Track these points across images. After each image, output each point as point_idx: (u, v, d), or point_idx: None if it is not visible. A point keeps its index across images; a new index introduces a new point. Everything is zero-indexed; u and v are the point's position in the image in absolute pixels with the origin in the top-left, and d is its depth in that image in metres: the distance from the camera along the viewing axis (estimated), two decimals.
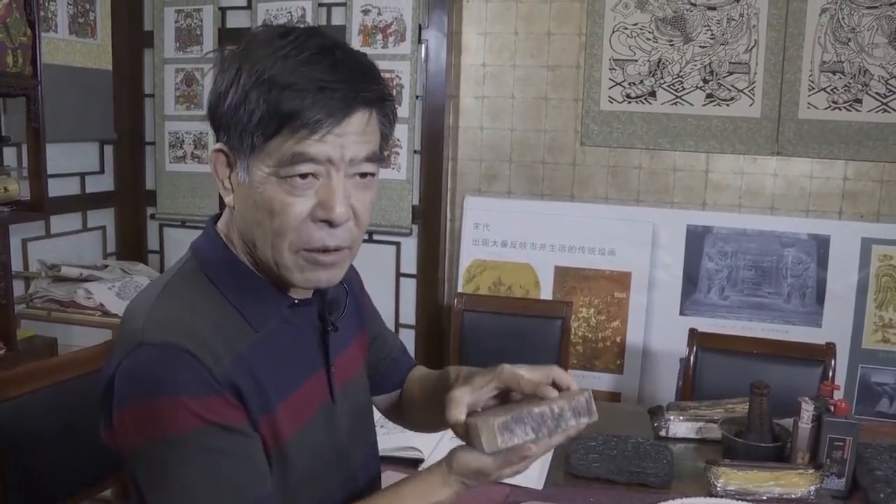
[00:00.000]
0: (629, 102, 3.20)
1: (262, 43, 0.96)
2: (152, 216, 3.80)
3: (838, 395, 3.02)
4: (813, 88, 3.07)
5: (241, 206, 0.99)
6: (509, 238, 3.21)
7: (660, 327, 3.16)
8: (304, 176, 0.95)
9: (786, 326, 3.10)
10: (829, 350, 2.45)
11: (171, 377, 0.92)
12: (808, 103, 3.08)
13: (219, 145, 0.98)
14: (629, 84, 3.20)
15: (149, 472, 0.94)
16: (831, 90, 3.06)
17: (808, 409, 1.76)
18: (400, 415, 1.42)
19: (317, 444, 1.09)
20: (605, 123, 3.22)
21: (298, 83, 0.92)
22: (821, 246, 3.10)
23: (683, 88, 3.16)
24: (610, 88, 3.21)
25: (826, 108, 3.07)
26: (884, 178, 3.08)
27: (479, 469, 1.02)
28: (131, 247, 3.78)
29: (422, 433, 1.53)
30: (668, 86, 3.17)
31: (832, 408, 1.74)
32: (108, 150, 3.64)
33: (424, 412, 1.33)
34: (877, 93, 3.02)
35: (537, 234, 3.19)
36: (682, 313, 3.16)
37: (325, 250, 0.99)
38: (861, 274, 3.06)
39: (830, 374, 2.43)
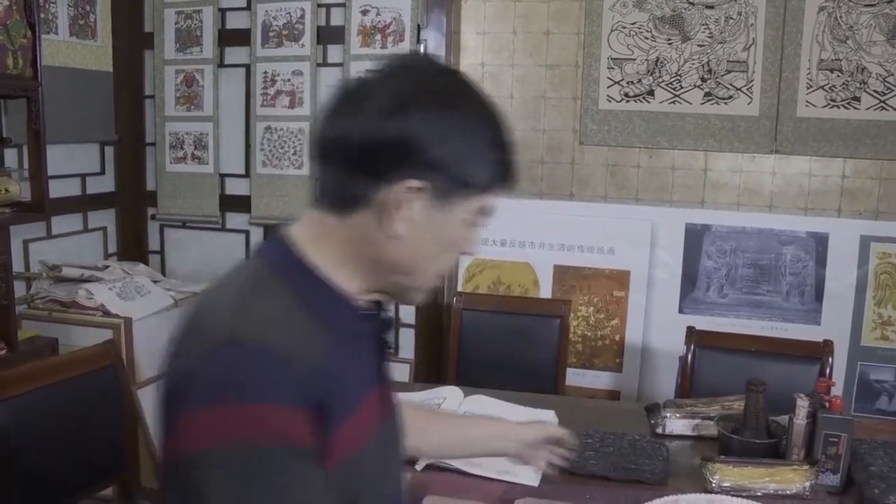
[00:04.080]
0: (628, 101, 3.21)
1: (460, 92, 1.01)
2: (153, 217, 3.82)
3: (837, 391, 3.05)
4: (811, 86, 3.08)
5: (412, 236, 0.99)
6: (508, 237, 3.21)
7: (659, 326, 3.16)
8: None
9: (785, 324, 3.10)
10: (826, 347, 2.46)
11: (260, 382, 0.87)
12: (807, 101, 3.09)
13: (422, 184, 0.96)
14: (627, 83, 3.21)
15: (207, 481, 0.86)
16: (829, 88, 3.06)
17: (803, 406, 1.77)
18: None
19: (372, 464, 1.05)
20: (603, 122, 3.23)
21: (510, 147, 1.03)
22: (819, 244, 3.10)
23: (682, 87, 3.17)
24: (608, 87, 3.22)
25: (824, 106, 3.08)
26: (882, 176, 3.09)
27: None
28: (132, 247, 3.79)
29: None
30: (667, 84, 3.18)
31: (827, 404, 1.75)
32: (109, 151, 3.65)
33: (438, 437, 1.53)
34: (875, 90, 3.03)
35: (536, 233, 3.19)
36: (681, 311, 3.16)
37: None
38: (860, 271, 3.07)
39: (828, 371, 2.44)
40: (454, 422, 1.62)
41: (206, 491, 0.86)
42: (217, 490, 0.86)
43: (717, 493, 1.66)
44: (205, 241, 3.79)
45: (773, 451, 1.82)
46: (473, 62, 3.37)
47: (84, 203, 3.52)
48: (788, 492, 1.68)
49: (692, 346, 2.52)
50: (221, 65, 3.63)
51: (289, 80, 3.51)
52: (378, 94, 0.96)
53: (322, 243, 1.01)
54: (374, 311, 1.09)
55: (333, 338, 0.97)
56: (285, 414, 0.87)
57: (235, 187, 3.70)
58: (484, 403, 2.18)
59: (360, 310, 1.05)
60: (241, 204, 3.67)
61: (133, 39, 3.65)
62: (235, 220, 3.72)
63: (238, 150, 3.66)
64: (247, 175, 3.65)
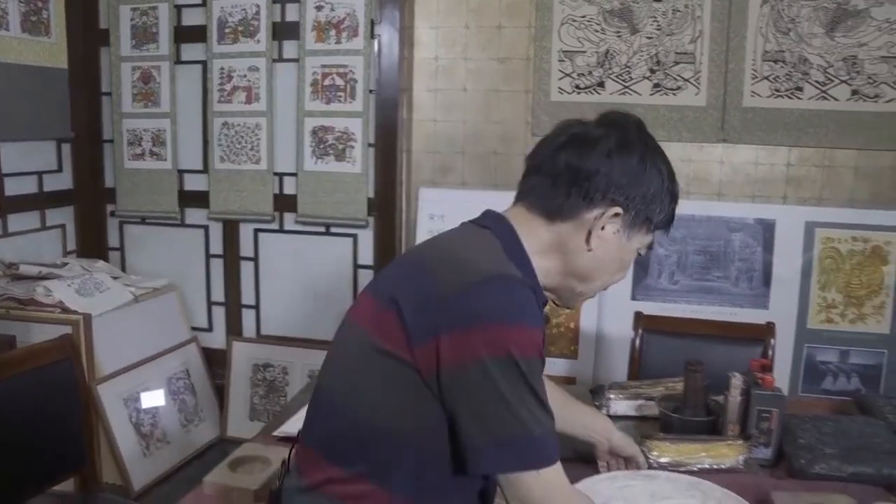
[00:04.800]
0: (579, 93, 3.28)
1: (654, 146, 1.30)
2: (112, 213, 3.83)
3: (785, 373, 3.14)
4: (756, 77, 3.16)
5: (601, 252, 1.28)
6: None
7: (612, 313, 3.23)
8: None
9: (734, 309, 3.18)
10: (768, 329, 2.54)
11: (529, 309, 1.15)
12: (752, 91, 3.18)
13: (620, 211, 1.26)
14: (578, 75, 3.27)
15: (486, 382, 1.10)
16: (773, 79, 3.15)
17: (737, 384, 1.83)
18: None
19: None
20: (554, 114, 3.28)
21: (677, 199, 1.33)
22: (766, 230, 3.19)
23: (631, 78, 3.24)
24: (559, 79, 3.29)
25: (769, 97, 3.17)
26: (825, 164, 3.18)
27: None
28: (91, 244, 3.80)
29: None
30: (617, 76, 3.25)
31: (760, 382, 1.82)
32: (66, 148, 3.65)
33: None
34: (816, 81, 3.12)
35: None
36: (633, 298, 3.24)
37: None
38: (805, 257, 3.16)
39: (770, 352, 2.52)
40: (559, 396, 1.71)
41: (492, 390, 1.10)
42: (503, 389, 1.10)
43: (655, 468, 1.72)
44: (164, 236, 3.81)
45: (711, 428, 1.88)
46: (427, 56, 3.42)
47: (41, 201, 3.52)
48: (723, 466, 1.74)
49: (640, 331, 2.59)
50: (178, 61, 3.64)
51: (245, 75, 3.53)
52: (607, 140, 1.25)
53: (529, 237, 1.27)
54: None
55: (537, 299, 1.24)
56: (539, 333, 1.16)
57: (194, 183, 3.72)
58: None
59: (543, 297, 1.33)
60: (199, 199, 3.69)
61: (88, 36, 3.65)
62: (194, 215, 3.74)
63: (196, 145, 3.68)
64: (205, 171, 3.68)
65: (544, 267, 1.28)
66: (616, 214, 1.25)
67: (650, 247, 1.36)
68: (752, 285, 3.21)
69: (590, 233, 1.26)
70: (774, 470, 1.79)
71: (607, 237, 1.27)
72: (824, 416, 1.95)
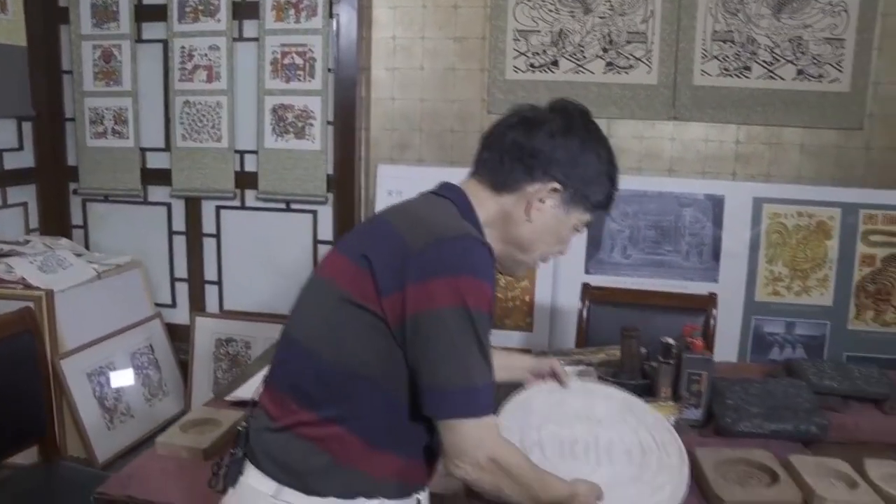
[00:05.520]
0: (533, 71, 3.34)
1: (597, 133, 1.41)
2: (75, 192, 3.85)
3: (734, 344, 3.24)
4: (706, 56, 3.24)
5: (540, 223, 1.40)
6: None
7: (566, 286, 3.31)
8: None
9: (685, 282, 3.27)
10: (711, 300, 2.64)
11: (484, 266, 1.26)
12: (702, 70, 3.26)
13: (558, 187, 1.37)
14: (533, 54, 3.34)
15: (442, 331, 1.21)
16: (723, 58, 3.24)
17: (669, 349, 1.93)
18: None
19: None
20: (510, 92, 3.35)
21: (617, 183, 1.44)
22: (716, 205, 3.28)
23: (584, 57, 3.31)
24: (514, 58, 3.35)
25: (718, 76, 3.25)
26: (772, 141, 3.27)
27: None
28: (54, 222, 3.82)
29: None
30: (570, 55, 3.32)
31: (691, 346, 1.91)
32: (27, 126, 3.67)
33: None
34: (763, 61, 3.21)
35: None
36: (587, 272, 3.32)
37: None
38: (753, 231, 3.26)
39: (713, 321, 2.62)
40: None
41: (438, 340, 1.21)
42: (455, 337, 1.21)
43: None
44: (127, 214, 3.84)
45: (647, 390, 1.97)
46: (385, 35, 3.47)
47: (2, 178, 3.54)
48: None
49: (587, 302, 2.68)
50: (139, 40, 3.66)
51: (206, 54, 3.56)
52: (552, 123, 1.37)
53: (479, 206, 1.39)
54: None
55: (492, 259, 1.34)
56: (492, 291, 1.27)
57: (156, 161, 3.75)
58: None
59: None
60: (162, 177, 3.73)
61: (47, 14, 3.65)
62: (157, 193, 3.78)
63: (158, 124, 3.71)
64: (167, 149, 3.71)
65: (491, 235, 1.40)
66: (554, 189, 1.37)
67: (588, 225, 1.47)
68: (702, 259, 3.31)
69: (529, 204, 1.38)
70: (703, 429, 1.89)
71: (545, 210, 1.39)
72: (752, 378, 2.05)
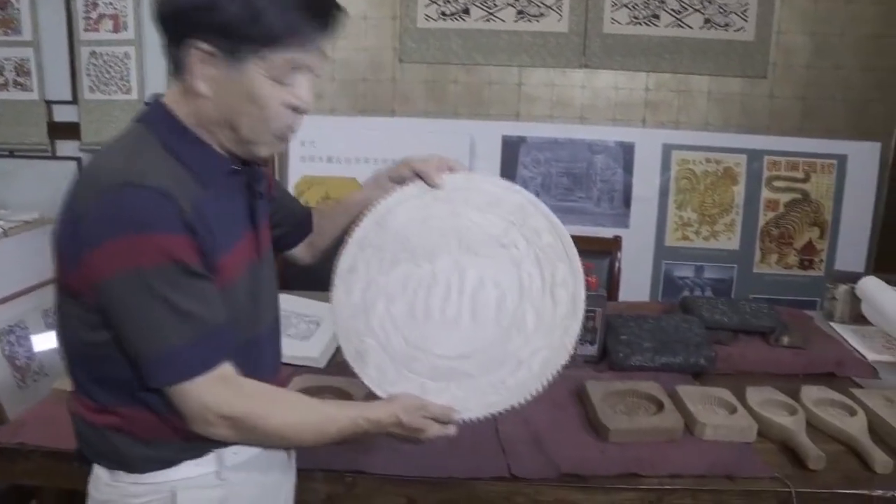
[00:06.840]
0: (444, 20, 3.33)
1: None
2: None
3: (645, 288, 3.33)
4: (616, 5, 3.27)
5: (214, 93, 1.15)
6: (334, 154, 3.31)
7: None
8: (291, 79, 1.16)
9: (597, 228, 3.34)
10: (615, 242, 2.70)
11: (150, 215, 1.07)
12: (612, 18, 3.29)
13: (208, 46, 1.11)
14: (444, 2, 3.32)
15: (120, 301, 1.09)
16: (632, 6, 3.27)
17: None
18: (315, 245, 1.63)
19: (242, 299, 1.23)
20: (422, 40, 3.34)
21: (303, 6, 1.12)
22: (626, 152, 3.34)
23: (495, 5, 3.31)
24: (426, 7, 3.33)
25: (628, 24, 3.29)
26: (680, 89, 3.34)
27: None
28: None
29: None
30: (481, 3, 3.31)
31: (586, 284, 1.95)
32: None
33: (334, 219, 1.59)
34: (672, 9, 3.25)
35: (361, 149, 3.29)
36: None
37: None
38: (663, 178, 3.33)
39: (617, 264, 2.68)
40: (339, 204, 1.64)
41: (122, 311, 1.09)
42: (131, 309, 1.08)
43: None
44: (35, 169, 3.73)
45: None
46: None
47: None
48: None
49: None
50: None
51: (111, 3, 3.46)
52: None
53: (181, 106, 1.19)
54: (241, 166, 1.25)
55: (201, 183, 1.16)
56: (174, 239, 1.08)
57: (64, 114, 3.64)
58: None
59: (228, 162, 1.22)
60: (70, 131, 3.62)
61: None
62: (66, 147, 3.67)
63: (63, 76, 3.59)
64: (75, 102, 3.60)
65: (206, 132, 1.20)
66: (200, 49, 1.12)
67: (299, 65, 1.16)
68: (614, 205, 3.37)
69: (189, 77, 1.15)
70: (598, 365, 1.95)
71: (211, 76, 1.14)
72: (647, 315, 2.12)
